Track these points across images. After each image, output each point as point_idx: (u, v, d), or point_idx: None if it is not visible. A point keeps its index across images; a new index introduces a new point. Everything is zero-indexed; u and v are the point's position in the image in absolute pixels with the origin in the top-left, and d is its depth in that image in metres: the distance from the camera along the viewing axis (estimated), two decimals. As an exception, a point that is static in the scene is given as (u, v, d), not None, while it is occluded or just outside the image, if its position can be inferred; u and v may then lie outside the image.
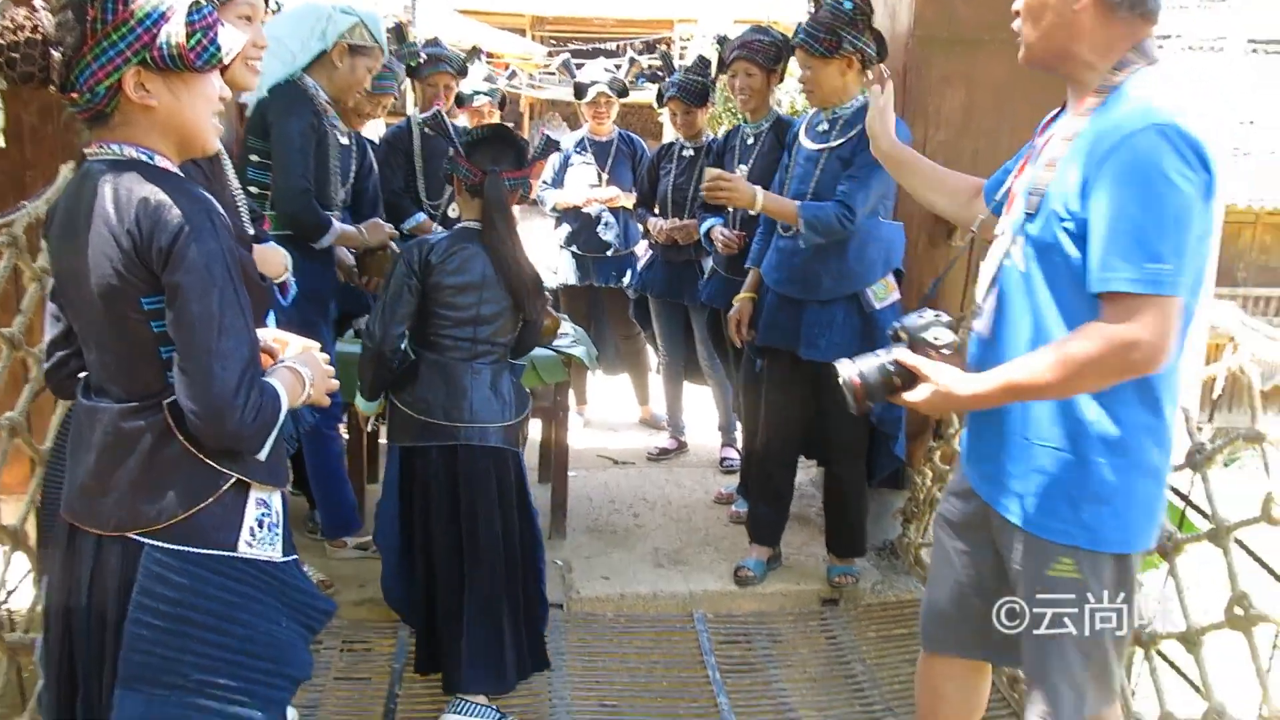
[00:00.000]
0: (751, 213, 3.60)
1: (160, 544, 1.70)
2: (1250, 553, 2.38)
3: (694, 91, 4.44)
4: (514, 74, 7.22)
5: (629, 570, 3.85)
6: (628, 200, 5.01)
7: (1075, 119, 1.88)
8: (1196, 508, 2.48)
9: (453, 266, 2.81)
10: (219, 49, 1.69)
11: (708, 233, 4.24)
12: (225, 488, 1.75)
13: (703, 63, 4.49)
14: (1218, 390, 2.55)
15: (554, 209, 5.11)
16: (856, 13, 3.32)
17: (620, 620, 3.62)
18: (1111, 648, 1.96)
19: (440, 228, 4.03)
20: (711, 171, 3.51)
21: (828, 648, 3.51)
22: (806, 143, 3.50)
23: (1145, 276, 1.71)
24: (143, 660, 1.68)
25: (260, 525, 1.81)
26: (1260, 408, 2.31)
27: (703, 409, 5.20)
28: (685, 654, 3.44)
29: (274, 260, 2.47)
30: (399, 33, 4.36)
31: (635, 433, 5.49)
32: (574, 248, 5.12)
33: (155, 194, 1.63)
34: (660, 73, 4.90)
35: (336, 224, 3.35)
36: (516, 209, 2.97)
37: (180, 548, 1.71)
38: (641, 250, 5.05)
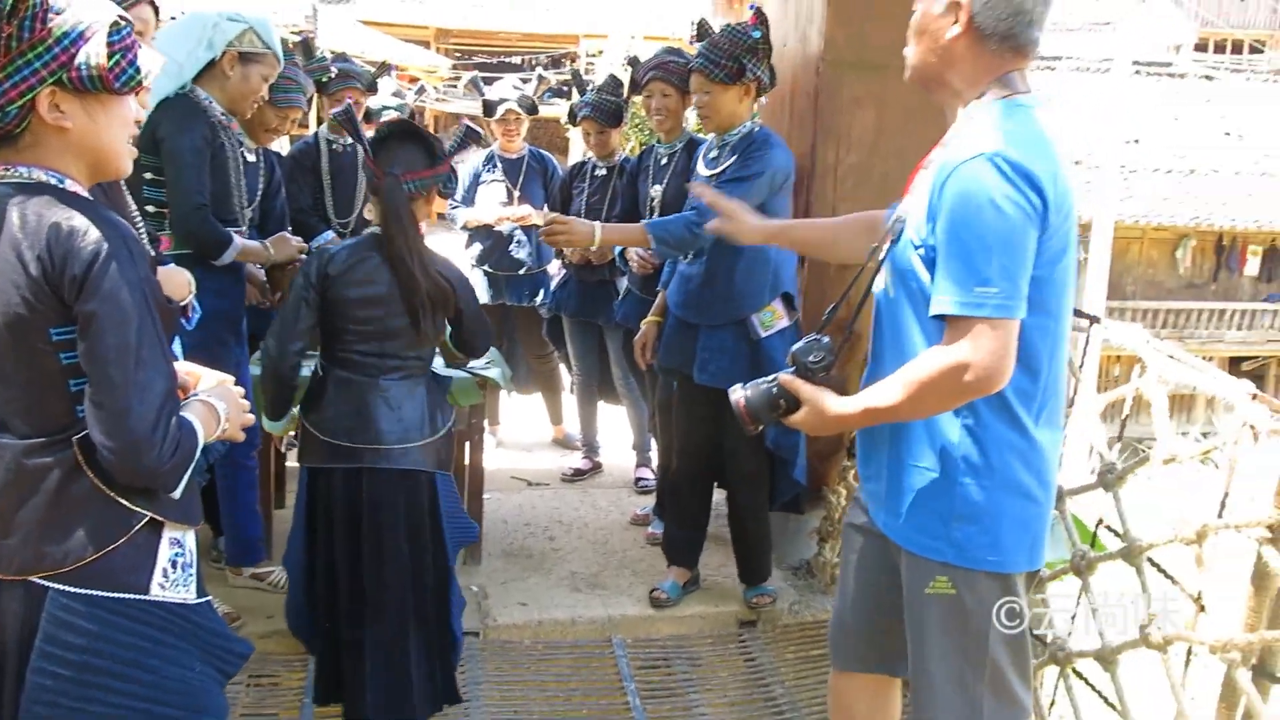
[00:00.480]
0: (592, 249, 3.61)
1: (66, 588, 1.61)
2: (1163, 572, 2.43)
3: (608, 111, 4.43)
4: (422, 89, 7.11)
5: (546, 595, 3.79)
6: (540, 219, 4.96)
7: (937, 148, 1.94)
8: (1109, 527, 2.53)
9: (356, 278, 2.70)
10: (139, 71, 1.63)
11: (623, 252, 4.22)
12: (138, 528, 1.67)
13: (615, 82, 4.49)
14: (1126, 409, 2.62)
15: (464, 227, 5.04)
16: (761, 41, 3.36)
17: (538, 647, 3.56)
18: (1005, 661, 1.96)
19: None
20: (548, 216, 3.56)
21: (747, 670, 3.50)
22: (702, 170, 3.53)
23: (972, 300, 1.76)
24: (46, 712, 1.60)
25: (174, 566, 1.73)
26: (1169, 429, 2.37)
27: (617, 429, 5.17)
28: (605, 680, 3.39)
29: (178, 282, 2.35)
30: (306, 47, 4.26)
31: (549, 453, 5.42)
32: (486, 266, 5.05)
33: (68, 219, 1.56)
34: (567, 87, 4.87)
35: (238, 239, 3.23)
36: (425, 224, 2.86)
37: (88, 591, 1.62)
38: (554, 269, 5.00)
